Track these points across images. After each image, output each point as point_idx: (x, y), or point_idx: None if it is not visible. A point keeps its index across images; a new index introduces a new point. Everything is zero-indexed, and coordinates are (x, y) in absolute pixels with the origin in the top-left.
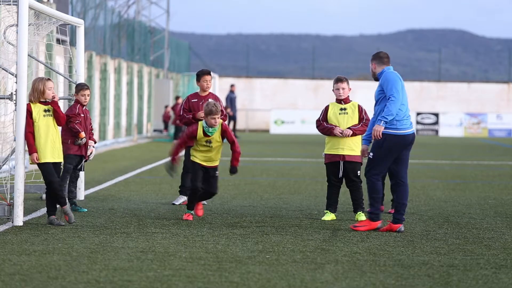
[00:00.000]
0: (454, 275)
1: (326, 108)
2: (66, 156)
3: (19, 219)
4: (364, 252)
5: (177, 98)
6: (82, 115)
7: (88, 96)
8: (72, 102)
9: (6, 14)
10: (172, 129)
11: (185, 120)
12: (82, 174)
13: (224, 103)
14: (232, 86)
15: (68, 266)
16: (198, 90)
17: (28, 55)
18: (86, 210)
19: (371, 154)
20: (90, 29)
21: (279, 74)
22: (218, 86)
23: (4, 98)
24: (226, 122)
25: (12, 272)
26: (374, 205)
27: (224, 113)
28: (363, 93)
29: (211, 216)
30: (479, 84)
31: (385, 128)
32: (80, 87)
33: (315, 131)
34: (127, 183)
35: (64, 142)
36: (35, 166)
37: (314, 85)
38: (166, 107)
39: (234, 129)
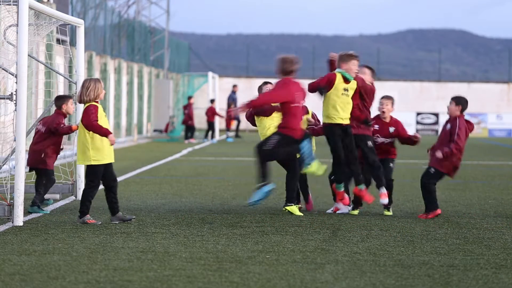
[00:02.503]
0: (454, 275)
1: None
2: (50, 170)
3: (19, 219)
4: (364, 252)
5: (189, 98)
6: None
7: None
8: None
9: (6, 14)
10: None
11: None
12: (82, 174)
13: (225, 103)
14: (234, 86)
15: (68, 266)
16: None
17: (28, 55)
18: (48, 212)
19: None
20: (90, 29)
21: None
22: (218, 86)
23: (4, 98)
24: (235, 123)
25: (12, 272)
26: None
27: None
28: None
29: (211, 216)
30: (479, 84)
31: None
32: (67, 98)
33: None
34: (127, 183)
35: (50, 156)
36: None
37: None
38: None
39: (237, 130)
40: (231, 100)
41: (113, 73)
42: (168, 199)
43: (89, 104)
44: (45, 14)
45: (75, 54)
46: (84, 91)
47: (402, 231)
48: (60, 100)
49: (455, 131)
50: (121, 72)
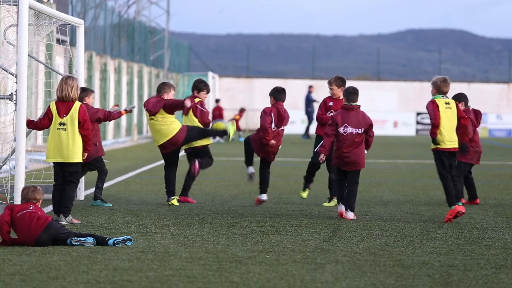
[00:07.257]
0: (454, 275)
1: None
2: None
3: None
4: (364, 252)
5: (217, 101)
6: None
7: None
8: None
9: (6, 14)
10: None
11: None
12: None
13: (304, 104)
14: (310, 87)
15: (68, 266)
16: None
17: (28, 55)
18: (111, 204)
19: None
20: (90, 29)
21: (279, 74)
22: (218, 86)
23: (4, 98)
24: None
25: (12, 272)
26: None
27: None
28: (362, 93)
29: (211, 216)
30: (479, 84)
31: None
32: (90, 91)
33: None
34: (127, 183)
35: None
36: (35, 166)
37: (314, 85)
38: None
39: (307, 130)
40: (312, 100)
41: (113, 73)
42: None
43: (82, 104)
44: (45, 14)
45: (75, 54)
46: (74, 90)
47: (402, 231)
48: (83, 92)
49: None
50: (121, 72)
